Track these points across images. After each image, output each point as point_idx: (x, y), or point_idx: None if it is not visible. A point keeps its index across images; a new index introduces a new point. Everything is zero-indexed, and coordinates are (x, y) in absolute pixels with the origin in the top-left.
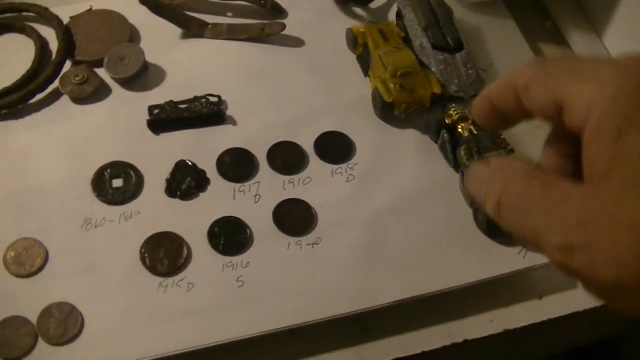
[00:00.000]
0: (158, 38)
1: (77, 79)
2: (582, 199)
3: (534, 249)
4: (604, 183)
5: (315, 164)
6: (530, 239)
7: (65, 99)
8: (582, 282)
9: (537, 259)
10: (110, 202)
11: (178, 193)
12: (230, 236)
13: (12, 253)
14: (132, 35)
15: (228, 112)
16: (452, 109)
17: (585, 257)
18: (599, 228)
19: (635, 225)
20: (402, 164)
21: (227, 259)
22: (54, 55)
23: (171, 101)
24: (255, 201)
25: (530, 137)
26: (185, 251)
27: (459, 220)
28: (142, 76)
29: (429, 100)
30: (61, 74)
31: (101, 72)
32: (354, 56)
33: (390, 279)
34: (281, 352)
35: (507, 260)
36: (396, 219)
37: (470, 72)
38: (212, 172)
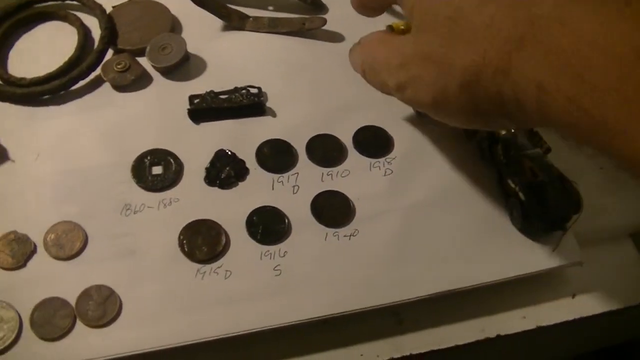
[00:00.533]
0: (199, 29)
1: (119, 67)
2: (403, 46)
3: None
4: (412, 31)
5: (354, 157)
6: (383, 90)
7: (107, 87)
8: (415, 107)
9: (571, 257)
10: (150, 188)
11: (217, 182)
12: (268, 225)
13: (52, 236)
14: (174, 25)
15: (268, 104)
16: None
17: (411, 91)
18: (414, 66)
19: (430, 55)
20: (438, 159)
21: (265, 248)
22: (96, 44)
23: (212, 91)
24: (293, 192)
25: None
26: (223, 239)
27: (494, 217)
28: (183, 66)
29: None
30: (103, 61)
31: (143, 61)
32: None
33: (425, 272)
34: (316, 342)
35: (541, 257)
36: (432, 213)
37: None
38: (251, 162)
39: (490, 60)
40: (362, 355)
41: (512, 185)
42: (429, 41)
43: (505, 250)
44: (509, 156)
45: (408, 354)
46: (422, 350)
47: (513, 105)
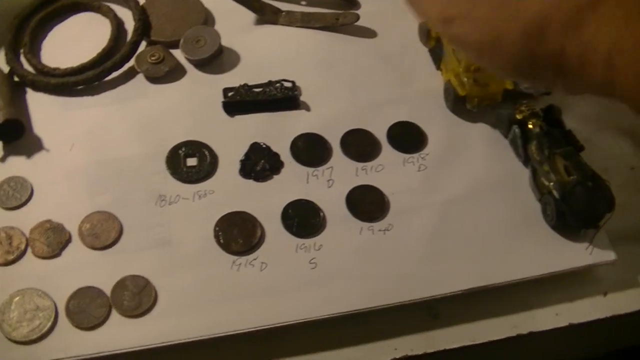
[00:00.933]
0: (232, 22)
1: (153, 58)
2: None
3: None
4: None
5: (388, 153)
6: (424, 18)
7: (140, 78)
8: (459, 47)
9: (603, 256)
10: (185, 180)
11: (252, 174)
12: (303, 219)
13: (88, 225)
14: (207, 18)
15: (302, 98)
16: (524, 105)
17: (459, 27)
18: (463, 3)
19: None
20: (472, 156)
21: (301, 241)
22: (129, 35)
23: (246, 84)
24: (328, 186)
25: (599, 136)
26: (259, 231)
27: (527, 214)
28: (216, 59)
29: (501, 95)
30: (137, 53)
31: (176, 53)
32: (425, 49)
33: (459, 267)
34: (350, 335)
35: (574, 255)
36: (466, 209)
37: None
38: (286, 155)
39: (562, 12)
40: (396, 349)
41: (546, 183)
42: None
43: (538, 248)
44: (542, 154)
45: (442, 349)
46: (456, 346)
47: (575, 64)
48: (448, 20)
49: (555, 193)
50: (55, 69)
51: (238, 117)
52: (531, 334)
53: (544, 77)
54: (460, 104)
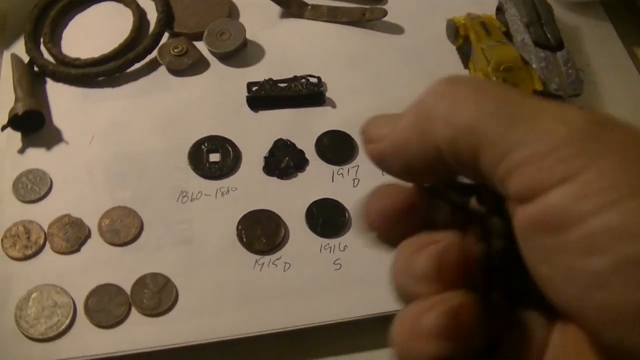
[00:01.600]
0: (257, 15)
1: (176, 50)
2: None
3: None
4: None
5: None
6: None
7: (162, 70)
8: None
9: None
10: (207, 176)
11: (276, 172)
12: (329, 218)
13: (107, 221)
14: (231, 10)
15: (327, 94)
16: None
17: None
18: None
19: None
20: None
21: (325, 241)
22: (151, 26)
23: (270, 79)
24: (354, 185)
25: None
26: (282, 230)
27: None
28: (241, 52)
29: None
30: (160, 45)
31: (200, 45)
32: (453, 47)
33: None
34: (376, 339)
35: None
36: None
37: (570, 71)
38: (310, 152)
39: None
40: None
41: None
42: None
43: None
44: None
45: None
46: None
47: None
48: None
49: None
50: (76, 59)
51: (262, 113)
52: None
53: None
54: None
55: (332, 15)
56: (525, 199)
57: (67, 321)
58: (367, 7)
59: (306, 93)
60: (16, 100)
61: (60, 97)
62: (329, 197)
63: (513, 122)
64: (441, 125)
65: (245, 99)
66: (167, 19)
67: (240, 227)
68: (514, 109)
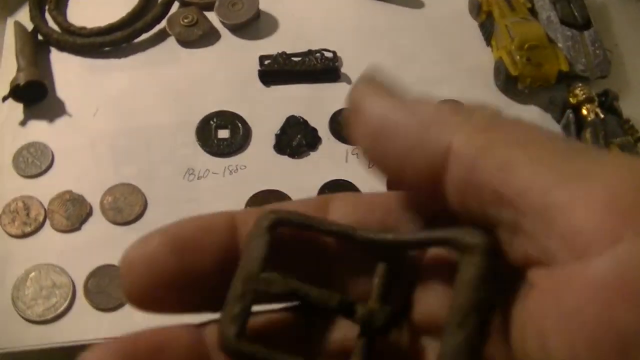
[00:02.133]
0: None
1: (186, 20)
2: None
3: None
4: None
5: None
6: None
7: (171, 41)
8: None
9: None
10: (215, 153)
11: (287, 150)
12: None
13: (110, 198)
14: None
15: (342, 70)
16: (579, 89)
17: None
18: None
19: None
20: None
21: None
22: None
23: (284, 53)
24: (369, 166)
25: None
26: None
27: None
28: (253, 24)
29: (555, 77)
30: (169, 14)
31: (211, 16)
32: (475, 23)
33: None
34: None
35: None
36: None
37: (597, 52)
38: (324, 131)
39: None
40: None
41: None
42: None
43: None
44: (597, 142)
45: None
46: None
47: None
48: None
49: None
50: (81, 28)
51: (274, 88)
52: None
53: None
54: (511, 84)
55: None
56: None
57: (66, 303)
58: None
59: (321, 68)
60: (18, 70)
61: (65, 68)
62: (342, 178)
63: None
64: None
65: (257, 73)
66: None
67: (248, 207)
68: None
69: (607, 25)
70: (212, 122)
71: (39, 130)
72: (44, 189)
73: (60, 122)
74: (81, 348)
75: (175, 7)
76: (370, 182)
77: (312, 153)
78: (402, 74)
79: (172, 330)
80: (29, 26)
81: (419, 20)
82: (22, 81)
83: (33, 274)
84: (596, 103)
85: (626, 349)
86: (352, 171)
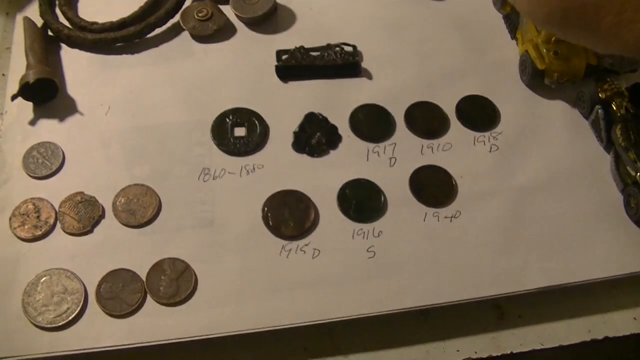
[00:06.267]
0: None
1: (200, 15)
2: None
3: None
4: None
5: (456, 130)
6: None
7: (186, 36)
8: None
9: None
10: (232, 152)
11: (307, 148)
12: (362, 201)
13: (123, 200)
14: None
15: (363, 65)
16: (608, 83)
17: None
18: None
19: None
20: (549, 137)
21: (358, 225)
22: None
23: (302, 47)
24: (390, 164)
25: None
26: (312, 213)
27: (608, 206)
28: (270, 18)
29: (583, 71)
30: (183, 8)
31: (226, 10)
32: (499, 15)
33: (531, 263)
34: (411, 334)
35: None
36: (540, 198)
37: None
38: (344, 128)
39: None
40: (458, 350)
41: (632, 173)
42: None
43: (618, 244)
44: (629, 139)
45: (508, 352)
46: (523, 350)
47: (610, 25)
48: None
49: None
50: (93, 23)
51: (292, 84)
52: (607, 339)
53: (577, 34)
54: (538, 79)
55: None
56: None
57: (78, 309)
58: None
59: (340, 63)
60: (28, 67)
61: (76, 64)
62: (363, 177)
63: None
64: None
65: (274, 68)
66: None
67: (266, 209)
68: None
69: None
70: (228, 120)
71: (49, 129)
72: (55, 190)
73: (71, 121)
74: (93, 356)
75: (189, 0)
76: (391, 181)
77: (331, 151)
78: (424, 68)
79: None
80: (39, 22)
81: (441, 13)
82: (31, 79)
83: (44, 278)
84: (626, 98)
85: None
86: (373, 170)
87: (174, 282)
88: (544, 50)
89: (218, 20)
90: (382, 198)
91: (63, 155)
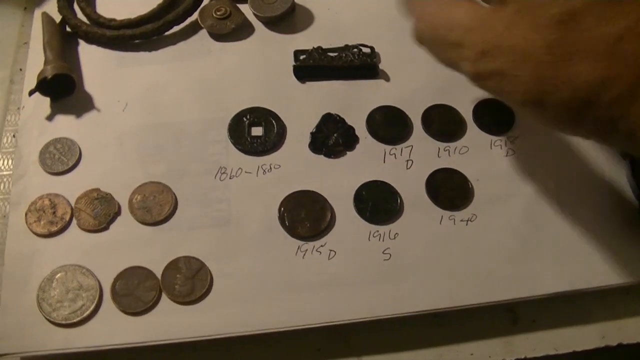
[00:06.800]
0: None
1: (218, 13)
2: (490, 26)
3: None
4: (507, 11)
5: (473, 133)
6: (448, 66)
7: (203, 34)
8: (501, 99)
9: None
10: (249, 151)
11: (323, 149)
12: (378, 203)
13: (139, 197)
14: None
15: (380, 66)
16: None
17: (494, 83)
18: (504, 59)
19: (532, 57)
20: (565, 142)
21: (374, 227)
22: None
23: (320, 47)
24: (407, 167)
25: None
26: (328, 214)
27: (624, 213)
28: (288, 17)
29: None
30: (201, 6)
31: (244, 8)
32: None
33: (545, 268)
34: (424, 336)
35: None
36: (556, 203)
37: None
38: (361, 129)
39: (618, 82)
40: (472, 354)
41: None
42: (532, 39)
43: (633, 250)
44: None
45: (522, 357)
46: (537, 355)
47: (625, 135)
48: (480, 77)
49: None
50: (111, 20)
51: (310, 84)
52: (620, 345)
53: (589, 136)
54: None
55: None
56: None
57: (93, 306)
58: None
59: (358, 64)
60: (45, 62)
61: (93, 61)
62: (380, 179)
63: None
64: None
65: (291, 68)
66: None
67: (282, 209)
68: None
69: None
70: (245, 119)
71: (66, 125)
72: (71, 186)
73: (88, 117)
74: (107, 353)
75: None
76: (408, 183)
77: (348, 153)
78: (442, 71)
79: None
80: (57, 17)
81: None
82: (49, 74)
83: (59, 274)
84: None
85: None
86: (389, 172)
87: (189, 280)
88: None
89: (236, 19)
90: (399, 200)
91: (80, 151)
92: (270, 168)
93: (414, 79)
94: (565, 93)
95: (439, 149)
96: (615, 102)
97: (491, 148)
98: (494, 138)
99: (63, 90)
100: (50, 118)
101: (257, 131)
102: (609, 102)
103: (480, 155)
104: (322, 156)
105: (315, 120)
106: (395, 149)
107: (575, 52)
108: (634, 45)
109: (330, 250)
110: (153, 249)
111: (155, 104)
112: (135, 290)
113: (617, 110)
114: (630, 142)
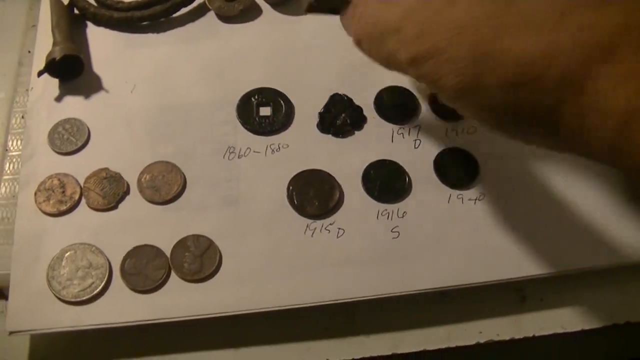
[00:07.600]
0: None
1: None
2: (424, 5)
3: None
4: None
5: None
6: (388, 65)
7: (211, 16)
8: (438, 91)
9: None
10: (257, 131)
11: (331, 129)
12: (387, 182)
13: (148, 176)
14: None
15: None
16: None
17: (430, 67)
18: (440, 36)
19: (468, 28)
20: None
21: (382, 206)
22: None
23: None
24: (415, 146)
25: None
26: (337, 193)
27: (635, 190)
28: None
29: None
30: None
31: None
32: None
33: (554, 246)
34: (432, 315)
35: None
36: (566, 180)
37: None
38: (369, 109)
39: (560, 62)
40: (480, 332)
41: None
42: (469, 9)
43: None
44: None
45: (531, 335)
46: (546, 333)
47: (570, 128)
48: (416, 61)
49: None
50: (119, 2)
51: (316, 64)
52: (628, 324)
53: (531, 135)
54: None
55: None
56: None
57: (102, 284)
58: None
59: None
60: (54, 44)
61: (101, 42)
62: (388, 158)
63: None
64: None
65: (298, 49)
66: None
67: (291, 188)
68: None
69: None
70: (253, 99)
71: (75, 106)
72: (80, 166)
73: (97, 98)
74: (117, 330)
75: None
76: (416, 163)
77: (356, 132)
78: None
79: None
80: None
81: None
82: (58, 55)
83: (69, 253)
84: None
85: None
86: (397, 151)
87: (198, 258)
88: None
89: (244, 1)
90: (407, 179)
91: (88, 131)
92: (279, 148)
93: None
94: (501, 69)
95: (447, 129)
96: (557, 86)
97: None
98: None
99: (71, 71)
100: (59, 99)
101: (265, 111)
102: (551, 86)
103: (488, 135)
104: (330, 136)
105: (323, 101)
106: (403, 128)
107: (516, 25)
108: (582, 17)
109: (339, 229)
110: (162, 228)
111: (164, 85)
112: (145, 269)
113: (557, 96)
114: (580, 140)
